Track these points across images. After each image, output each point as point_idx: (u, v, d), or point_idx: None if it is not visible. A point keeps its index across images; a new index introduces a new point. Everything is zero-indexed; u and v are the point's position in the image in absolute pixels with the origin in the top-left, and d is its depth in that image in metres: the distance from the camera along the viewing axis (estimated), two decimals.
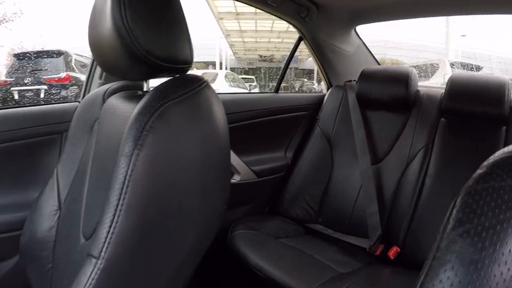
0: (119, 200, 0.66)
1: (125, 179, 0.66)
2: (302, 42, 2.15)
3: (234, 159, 1.82)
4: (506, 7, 1.76)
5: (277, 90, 2.14)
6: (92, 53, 0.88)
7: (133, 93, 1.02)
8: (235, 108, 1.87)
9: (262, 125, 1.96)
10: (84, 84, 1.55)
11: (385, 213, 1.75)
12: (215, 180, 0.81)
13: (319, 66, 2.23)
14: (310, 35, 2.10)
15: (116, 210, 0.66)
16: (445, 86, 1.80)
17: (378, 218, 1.71)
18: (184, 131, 0.72)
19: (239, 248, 1.60)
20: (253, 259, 1.52)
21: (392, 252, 1.65)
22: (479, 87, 1.72)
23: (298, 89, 11.53)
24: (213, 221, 0.84)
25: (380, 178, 1.81)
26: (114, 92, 1.09)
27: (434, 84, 5.61)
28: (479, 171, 0.48)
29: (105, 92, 1.10)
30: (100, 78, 1.51)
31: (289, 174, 2.01)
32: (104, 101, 1.06)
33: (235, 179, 1.86)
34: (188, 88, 0.76)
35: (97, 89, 1.15)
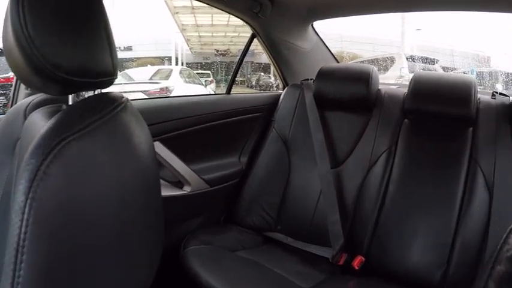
0: (15, 270, 0.51)
1: (18, 244, 0.51)
2: (255, 39, 2.03)
3: (183, 168, 1.69)
4: (460, 4, 1.71)
5: (229, 91, 2.00)
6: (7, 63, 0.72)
7: (57, 107, 0.86)
8: (184, 113, 1.72)
9: (214, 129, 1.83)
10: (11, 94, 1.36)
11: (347, 220, 1.66)
12: (141, 213, 0.68)
13: (274, 65, 2.12)
14: (263, 32, 1.98)
15: (12, 283, 0.51)
16: (401, 79, 1.74)
17: (340, 225, 1.62)
18: (91, 170, 0.58)
19: (192, 266, 1.47)
20: (207, 279, 1.39)
21: (357, 262, 1.57)
22: (445, 86, 1.66)
23: (255, 83, 11.48)
24: (146, 256, 0.71)
25: (341, 183, 1.72)
26: (37, 106, 0.92)
27: (392, 77, 5.67)
28: None
29: (27, 106, 0.93)
30: (26, 88, 1.32)
31: (245, 180, 1.89)
32: (25, 117, 0.90)
33: (186, 190, 1.72)
34: (98, 115, 0.62)
35: (20, 101, 0.99)
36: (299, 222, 1.77)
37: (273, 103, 2.01)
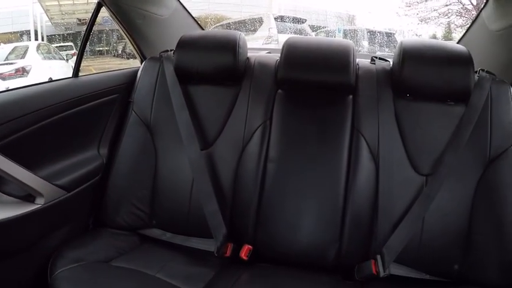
0: None
1: None
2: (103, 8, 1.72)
3: (30, 178, 1.37)
4: None
5: (76, 73, 1.68)
6: None
7: None
8: (19, 111, 1.39)
9: (62, 122, 1.52)
10: None
11: (226, 208, 1.53)
12: None
13: (127, 36, 1.85)
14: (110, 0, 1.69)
15: None
16: (270, 39, 1.63)
17: (220, 215, 1.48)
18: None
19: None
20: None
21: (244, 251, 1.46)
22: (320, 52, 1.57)
23: (122, 51, 10.87)
24: None
25: (214, 167, 1.57)
26: None
27: (260, 37, 5.66)
28: None
29: None
30: None
31: (108, 176, 1.64)
32: None
33: (39, 203, 1.41)
34: None
35: None
36: (175, 214, 1.60)
37: (130, 82, 1.75)
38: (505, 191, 1.38)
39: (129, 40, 1.86)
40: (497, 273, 1.35)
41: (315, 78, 1.55)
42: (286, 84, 1.59)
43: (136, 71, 1.76)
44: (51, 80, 1.65)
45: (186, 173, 1.57)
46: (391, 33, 7.47)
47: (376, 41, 6.76)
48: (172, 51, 1.71)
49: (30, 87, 1.55)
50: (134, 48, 1.88)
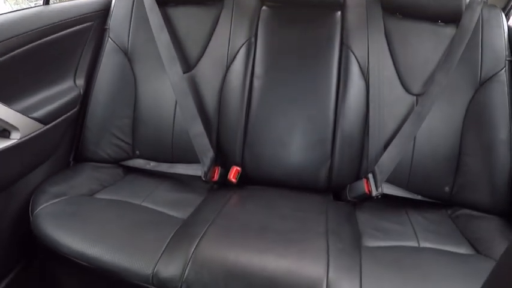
0: None
1: None
2: None
3: (4, 111, 1.28)
4: None
5: (47, 0, 1.57)
6: None
7: None
8: None
9: (33, 52, 1.40)
10: None
11: (212, 130, 1.50)
12: None
13: None
14: None
15: None
16: None
17: (206, 137, 1.44)
18: None
19: (47, 233, 1.17)
20: (69, 246, 1.12)
21: (233, 173, 1.45)
22: None
23: None
24: None
25: (197, 89, 1.52)
26: None
27: None
28: None
29: None
30: None
31: (86, 107, 1.57)
32: None
33: (15, 137, 1.32)
34: None
35: None
36: (158, 142, 1.56)
37: (105, 8, 1.64)
38: (495, 113, 1.38)
39: None
40: (486, 194, 1.37)
41: None
42: (271, 1, 1.53)
43: None
44: (20, 9, 1.53)
45: (168, 98, 1.52)
46: None
47: None
48: None
49: None
50: None
